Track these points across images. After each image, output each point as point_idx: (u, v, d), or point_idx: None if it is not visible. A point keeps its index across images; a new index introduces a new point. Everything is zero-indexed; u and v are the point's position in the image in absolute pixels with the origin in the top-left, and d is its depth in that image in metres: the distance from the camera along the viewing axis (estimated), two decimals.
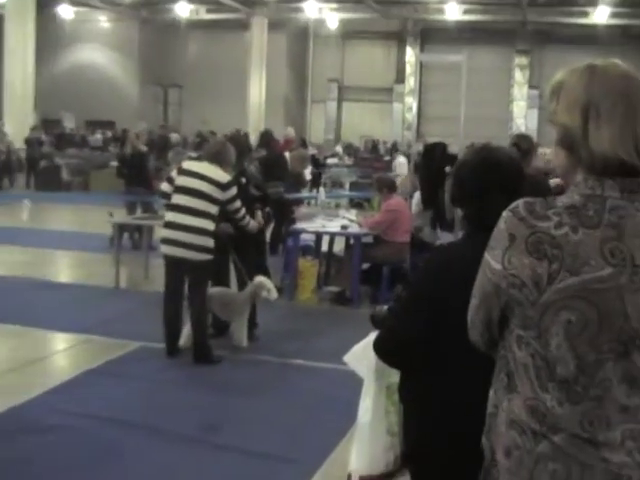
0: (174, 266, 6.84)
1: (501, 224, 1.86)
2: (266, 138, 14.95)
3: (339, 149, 26.65)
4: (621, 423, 1.81)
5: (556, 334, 1.78)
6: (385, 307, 3.01)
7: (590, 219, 1.78)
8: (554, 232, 1.78)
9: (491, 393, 1.96)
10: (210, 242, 6.71)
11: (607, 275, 1.76)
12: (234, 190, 6.88)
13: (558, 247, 1.77)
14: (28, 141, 23.26)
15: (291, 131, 15.17)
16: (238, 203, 6.95)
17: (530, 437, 1.82)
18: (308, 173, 13.92)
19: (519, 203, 1.85)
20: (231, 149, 7.04)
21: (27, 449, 5.05)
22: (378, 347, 2.67)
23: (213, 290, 7.29)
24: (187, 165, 7.04)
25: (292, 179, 11.19)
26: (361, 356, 2.91)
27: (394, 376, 2.77)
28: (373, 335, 2.76)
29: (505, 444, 1.87)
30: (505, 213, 1.87)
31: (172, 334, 6.95)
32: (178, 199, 6.75)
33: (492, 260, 1.86)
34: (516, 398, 1.86)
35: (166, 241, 6.80)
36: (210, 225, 6.71)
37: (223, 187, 6.75)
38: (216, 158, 6.87)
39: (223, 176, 6.79)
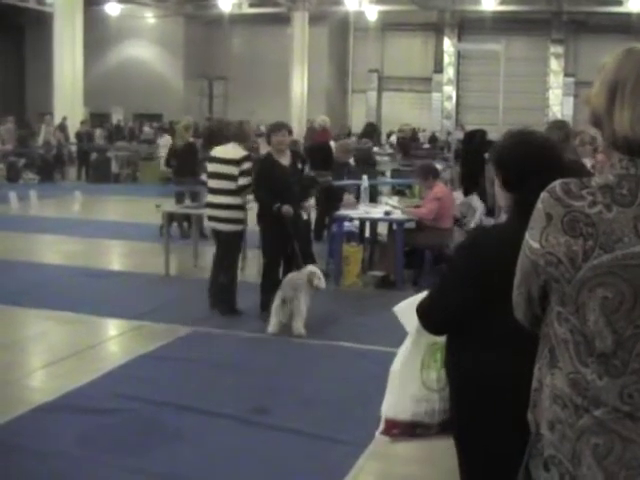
0: (216, 237, 8.27)
1: (539, 204, 1.91)
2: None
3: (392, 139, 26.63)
4: None
5: (593, 310, 1.83)
6: None
7: (624, 197, 1.82)
8: (588, 210, 1.82)
9: (536, 369, 2.01)
10: (236, 214, 8.01)
11: (639, 252, 1.80)
12: (246, 165, 7.91)
13: (592, 225, 1.81)
14: (79, 135, 23.73)
15: (326, 120, 15.22)
16: (248, 179, 7.89)
17: (572, 411, 1.87)
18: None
19: (556, 184, 1.90)
20: (248, 128, 8.52)
21: (84, 431, 5.22)
22: (419, 312, 2.81)
23: (289, 275, 7.53)
24: (213, 152, 8.28)
25: (338, 168, 11.36)
26: (409, 311, 2.93)
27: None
28: (423, 294, 2.86)
29: (549, 418, 1.92)
30: (543, 194, 1.91)
31: (213, 291, 8.34)
32: (210, 183, 8.18)
33: (531, 239, 1.92)
34: (558, 373, 1.90)
35: (207, 218, 8.48)
36: (235, 200, 7.91)
37: (237, 162, 7.88)
38: (236, 137, 8.12)
39: (238, 153, 7.95)
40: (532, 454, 1.99)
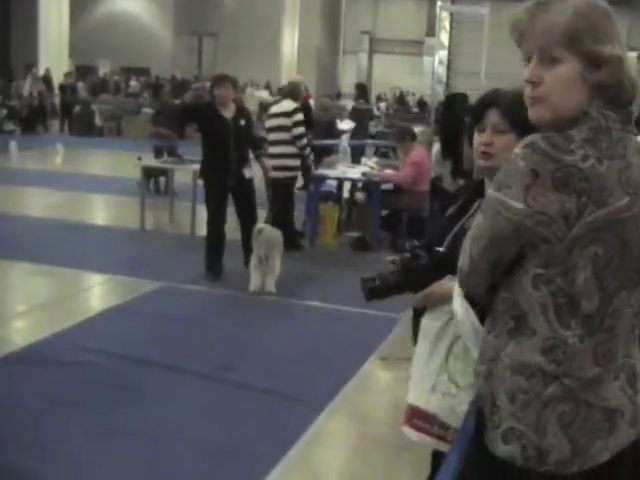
0: (272, 186, 8.68)
1: (517, 162, 1.79)
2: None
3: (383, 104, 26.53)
4: (623, 357, 1.88)
5: (583, 268, 1.79)
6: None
7: (607, 150, 1.79)
8: (582, 165, 1.75)
9: (490, 338, 1.94)
10: (289, 162, 8.85)
11: (625, 205, 1.79)
12: (298, 117, 8.83)
13: (586, 180, 1.75)
14: (62, 87, 23.46)
15: (300, 79, 15.15)
16: (301, 129, 8.84)
17: (539, 380, 1.83)
18: (346, 124, 13.95)
19: (536, 138, 1.79)
20: (301, 87, 9.42)
21: (46, 384, 5.16)
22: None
23: (264, 232, 7.40)
24: (270, 110, 9.32)
25: (323, 128, 11.29)
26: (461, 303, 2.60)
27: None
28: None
29: (508, 389, 1.87)
30: (519, 150, 1.80)
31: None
32: (269, 136, 9.03)
33: (509, 199, 1.79)
34: (527, 341, 1.84)
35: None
36: (290, 149, 8.81)
37: (289, 114, 8.80)
38: (290, 94, 9.04)
39: (290, 106, 8.86)
40: (487, 427, 1.92)
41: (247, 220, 7.81)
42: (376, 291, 2.70)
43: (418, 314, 3.07)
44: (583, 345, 1.82)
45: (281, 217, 8.48)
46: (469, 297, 2.14)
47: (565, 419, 1.83)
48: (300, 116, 8.89)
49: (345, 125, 13.88)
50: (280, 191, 8.78)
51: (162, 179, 12.62)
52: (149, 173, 12.04)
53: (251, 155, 8.10)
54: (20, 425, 4.57)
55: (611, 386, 1.87)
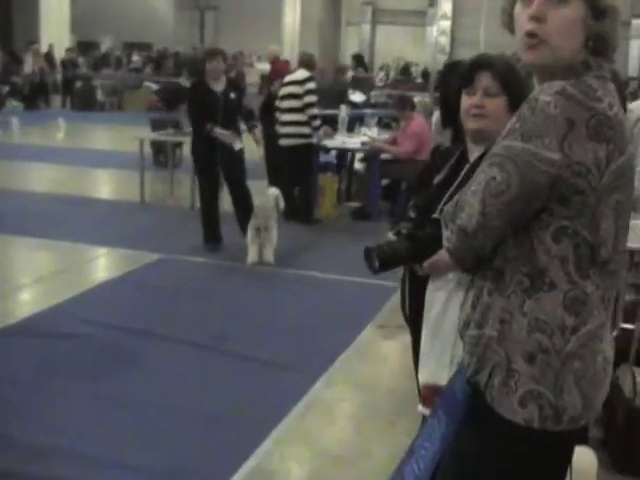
0: (286, 154, 9.03)
1: (550, 109, 1.72)
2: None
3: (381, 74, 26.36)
4: (613, 302, 1.94)
5: (607, 217, 1.79)
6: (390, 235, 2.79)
7: (615, 98, 1.80)
8: (609, 113, 1.75)
9: (497, 300, 1.88)
10: (302, 130, 8.95)
11: (633, 150, 1.85)
12: (309, 85, 8.96)
13: (613, 128, 1.75)
14: (64, 63, 23.39)
15: (276, 50, 15.16)
16: (312, 98, 8.95)
17: (559, 337, 1.81)
18: (358, 96, 13.89)
19: (564, 85, 1.75)
20: (314, 57, 9.63)
21: (45, 354, 5.20)
22: None
23: (257, 202, 7.44)
24: (285, 79, 9.35)
25: (334, 98, 11.28)
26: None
27: None
28: None
29: (528, 350, 1.82)
30: (549, 97, 1.73)
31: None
32: (282, 104, 9.11)
33: (544, 150, 1.72)
34: (546, 296, 1.81)
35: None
36: (301, 117, 8.91)
37: (300, 82, 8.96)
38: (306, 64, 9.19)
39: (302, 74, 9.03)
40: (501, 392, 1.85)
41: (239, 192, 7.81)
42: (386, 261, 2.61)
43: (410, 282, 3.05)
44: (598, 292, 1.84)
45: (296, 188, 8.78)
46: (466, 261, 1.96)
47: (578, 375, 1.83)
48: (311, 85, 9.00)
49: (357, 97, 13.77)
50: (294, 159, 8.95)
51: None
52: (156, 146, 12.07)
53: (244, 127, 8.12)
54: (19, 396, 4.60)
55: (606, 333, 1.90)
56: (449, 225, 1.90)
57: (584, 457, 2.82)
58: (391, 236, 2.76)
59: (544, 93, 1.74)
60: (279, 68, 14.15)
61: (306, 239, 8.44)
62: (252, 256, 7.33)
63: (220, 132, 7.45)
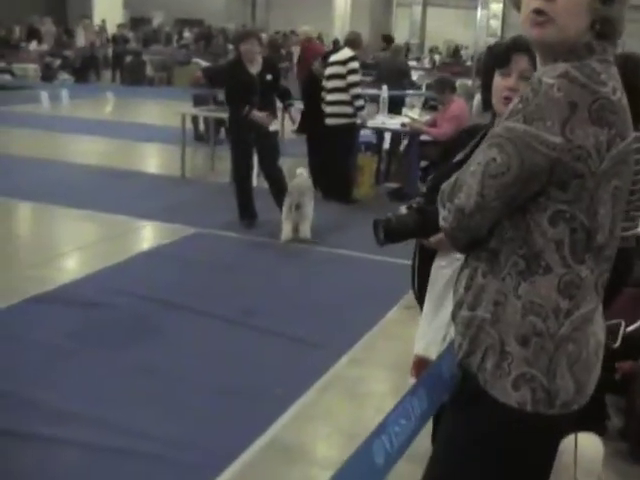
0: (328, 133, 9.02)
1: (553, 93, 1.71)
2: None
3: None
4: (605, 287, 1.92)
5: (605, 202, 1.78)
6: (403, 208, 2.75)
7: (618, 82, 1.79)
8: (613, 97, 1.74)
9: (492, 282, 1.87)
10: (345, 109, 8.94)
11: (634, 136, 1.85)
12: (353, 65, 8.93)
13: (616, 113, 1.74)
14: (114, 38, 23.62)
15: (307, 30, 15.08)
16: (355, 78, 8.94)
17: (553, 320, 1.81)
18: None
19: (567, 68, 1.74)
20: (361, 36, 9.52)
21: (74, 323, 5.31)
22: None
23: (294, 180, 7.53)
24: (329, 58, 9.28)
25: (393, 78, 11.29)
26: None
27: None
28: None
29: (522, 333, 1.82)
30: (553, 80, 1.72)
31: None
32: (326, 84, 9.09)
33: (545, 133, 1.70)
34: (541, 279, 1.81)
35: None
36: (345, 97, 8.89)
37: (344, 62, 8.95)
38: (351, 44, 9.15)
39: (346, 54, 9.00)
40: (494, 375, 1.86)
41: (272, 172, 7.86)
42: (393, 233, 2.59)
43: (421, 260, 3.04)
44: (593, 277, 1.84)
45: (336, 166, 8.80)
46: (460, 241, 1.95)
47: (572, 358, 1.83)
48: (355, 64, 8.97)
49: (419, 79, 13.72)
50: (337, 138, 8.94)
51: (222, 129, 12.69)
52: (196, 122, 12.17)
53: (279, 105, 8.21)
54: (48, 360, 4.70)
55: (598, 317, 1.90)
56: (446, 204, 1.88)
57: (590, 443, 2.81)
58: (403, 210, 2.73)
59: (547, 75, 1.73)
60: (313, 48, 14.07)
61: (342, 218, 8.44)
62: (286, 233, 7.37)
63: (257, 115, 7.51)
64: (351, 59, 9.01)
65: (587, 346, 1.85)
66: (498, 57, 2.63)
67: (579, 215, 1.77)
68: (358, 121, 9.12)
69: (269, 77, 7.70)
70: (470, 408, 1.93)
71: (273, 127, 7.75)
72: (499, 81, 2.65)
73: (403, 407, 1.84)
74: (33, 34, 23.81)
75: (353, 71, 8.98)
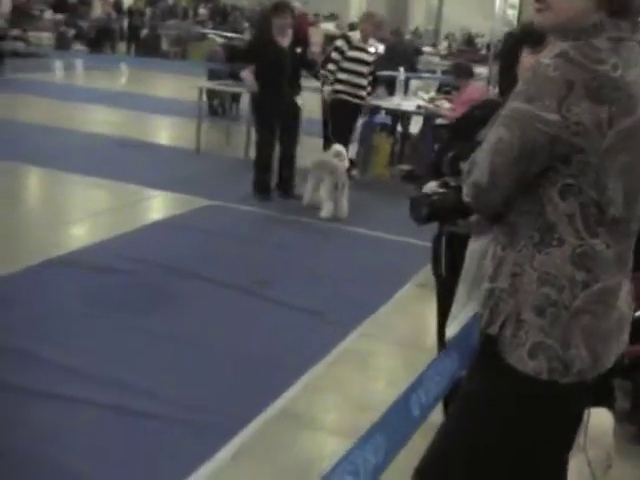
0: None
1: (550, 72, 1.76)
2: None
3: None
4: (631, 263, 1.96)
5: (613, 177, 1.81)
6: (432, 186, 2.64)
7: (628, 59, 1.80)
8: (613, 74, 1.76)
9: (510, 254, 1.92)
10: (361, 92, 8.92)
11: None
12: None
13: (617, 89, 1.76)
14: (130, 11, 23.60)
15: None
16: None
17: (569, 291, 1.85)
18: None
19: (565, 48, 1.78)
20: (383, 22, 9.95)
21: (87, 287, 5.35)
22: None
23: (317, 157, 7.70)
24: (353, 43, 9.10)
25: (402, 58, 11.30)
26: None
27: None
28: None
29: (537, 303, 1.87)
30: (549, 60, 1.78)
31: None
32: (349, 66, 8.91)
33: (543, 112, 1.76)
34: (556, 251, 1.85)
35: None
36: (363, 82, 8.93)
37: (368, 51, 8.92)
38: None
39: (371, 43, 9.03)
40: (512, 344, 1.90)
41: (290, 152, 7.98)
42: (436, 212, 2.51)
43: (448, 244, 3.04)
44: (609, 252, 1.86)
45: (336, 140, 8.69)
46: (484, 213, 2.07)
47: (587, 330, 1.87)
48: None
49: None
50: (335, 112, 8.89)
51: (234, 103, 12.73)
52: (214, 95, 12.18)
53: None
54: (60, 321, 4.76)
55: (622, 293, 1.93)
56: (466, 180, 1.98)
57: (600, 417, 2.84)
58: (434, 187, 2.64)
59: (545, 56, 1.80)
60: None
61: (355, 197, 8.44)
62: (328, 211, 7.48)
63: (247, 78, 7.81)
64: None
65: (607, 319, 1.89)
66: (533, 35, 2.64)
67: (587, 190, 1.81)
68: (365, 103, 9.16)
69: (299, 50, 7.75)
70: (490, 374, 1.97)
71: (299, 101, 7.82)
72: (529, 60, 2.65)
73: (438, 365, 1.89)
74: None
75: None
